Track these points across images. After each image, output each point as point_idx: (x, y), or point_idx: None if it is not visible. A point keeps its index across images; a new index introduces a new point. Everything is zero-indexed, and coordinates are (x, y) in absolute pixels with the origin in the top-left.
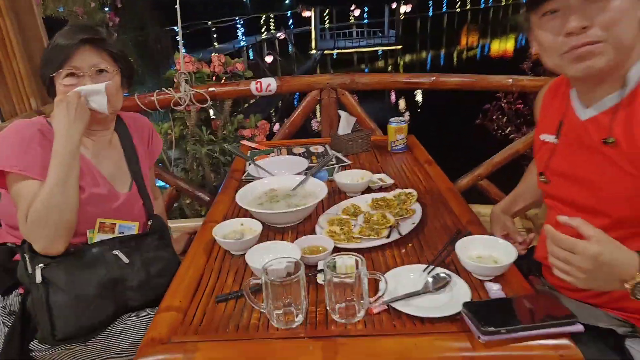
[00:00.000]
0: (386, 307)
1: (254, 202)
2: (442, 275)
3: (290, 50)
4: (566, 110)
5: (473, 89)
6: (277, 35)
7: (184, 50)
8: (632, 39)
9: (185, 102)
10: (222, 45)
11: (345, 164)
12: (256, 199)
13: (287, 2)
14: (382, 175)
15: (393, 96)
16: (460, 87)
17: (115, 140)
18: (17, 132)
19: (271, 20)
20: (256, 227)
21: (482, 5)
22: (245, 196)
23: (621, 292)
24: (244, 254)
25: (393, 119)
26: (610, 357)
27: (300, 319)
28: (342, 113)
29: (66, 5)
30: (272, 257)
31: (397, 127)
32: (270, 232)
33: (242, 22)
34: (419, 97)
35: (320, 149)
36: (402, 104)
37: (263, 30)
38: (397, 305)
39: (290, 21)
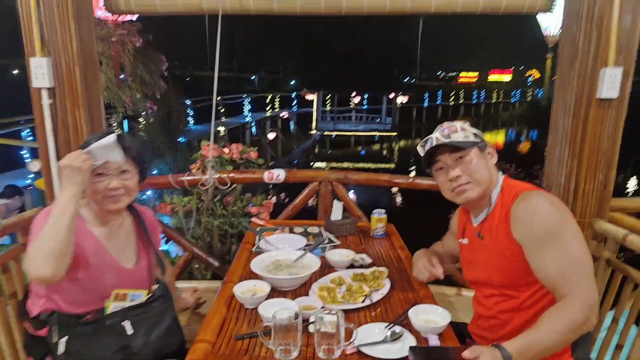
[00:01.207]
0: (356, 349)
1: (264, 269)
2: (398, 331)
3: (291, 129)
4: (467, 222)
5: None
6: (281, 114)
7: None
8: (487, 177)
9: (209, 183)
10: (229, 120)
11: (336, 243)
12: (265, 267)
13: (292, 83)
14: (363, 255)
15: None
16: (432, 188)
17: (126, 224)
18: (45, 217)
19: (276, 100)
20: (265, 287)
21: (475, 101)
22: (257, 264)
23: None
24: (255, 308)
25: (375, 210)
26: None
27: (295, 354)
28: (336, 202)
29: (116, 95)
30: (277, 310)
31: (379, 218)
32: (275, 292)
33: (249, 99)
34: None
35: (316, 229)
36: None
37: (268, 108)
38: (364, 349)
39: (294, 102)
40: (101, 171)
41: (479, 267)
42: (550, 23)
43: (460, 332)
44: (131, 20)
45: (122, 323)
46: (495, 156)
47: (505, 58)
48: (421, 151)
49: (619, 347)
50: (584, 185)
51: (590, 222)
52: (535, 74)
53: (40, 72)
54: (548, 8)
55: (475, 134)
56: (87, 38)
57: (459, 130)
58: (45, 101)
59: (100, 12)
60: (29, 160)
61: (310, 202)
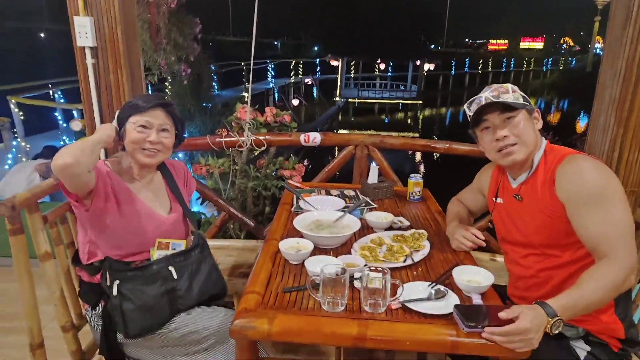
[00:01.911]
0: (401, 305)
1: (306, 228)
2: (442, 289)
3: (315, 95)
4: (503, 182)
5: (481, 156)
6: (305, 80)
7: (246, 101)
8: (533, 140)
9: (247, 145)
10: (253, 85)
11: (373, 207)
12: (307, 226)
13: (316, 49)
14: (401, 218)
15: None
16: (469, 154)
17: (156, 179)
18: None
19: (300, 66)
20: (309, 245)
21: (504, 69)
22: (299, 223)
23: None
24: (299, 263)
25: (412, 175)
26: (560, 354)
27: (342, 307)
28: (373, 166)
29: (152, 58)
30: (325, 265)
31: (416, 182)
32: (317, 250)
33: (272, 65)
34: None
35: (352, 192)
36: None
37: (292, 74)
38: (409, 305)
39: (318, 68)
40: (144, 124)
41: (517, 228)
42: None
43: (500, 295)
44: None
45: (169, 268)
46: (541, 121)
47: (537, 25)
48: (468, 110)
49: None
50: (627, 154)
51: (635, 191)
52: (569, 41)
53: (83, 30)
54: None
55: (523, 97)
56: None
57: (510, 91)
58: (89, 60)
59: None
60: (73, 119)
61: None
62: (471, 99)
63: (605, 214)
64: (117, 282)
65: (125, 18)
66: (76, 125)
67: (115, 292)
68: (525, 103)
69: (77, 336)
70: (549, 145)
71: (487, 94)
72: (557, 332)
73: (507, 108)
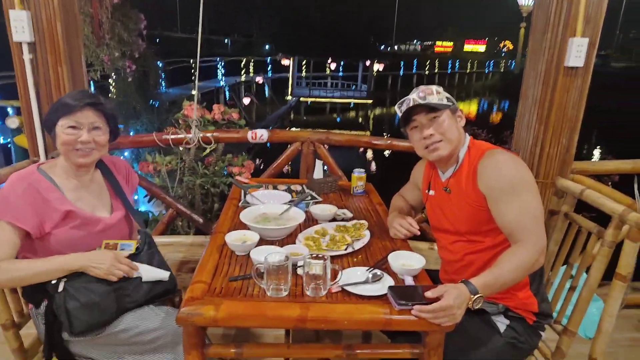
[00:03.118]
0: (341, 289)
1: (253, 221)
2: (378, 273)
3: (266, 94)
4: (434, 176)
5: None
6: (256, 79)
7: (194, 101)
8: (456, 137)
9: (194, 142)
10: (202, 83)
11: (318, 200)
12: (253, 219)
13: (267, 48)
14: (345, 210)
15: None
16: (409, 150)
17: (97, 177)
18: (10, 188)
19: (251, 64)
20: (254, 237)
21: (449, 71)
22: (246, 216)
23: None
24: (245, 254)
25: (356, 169)
26: (483, 328)
27: (285, 292)
28: (317, 162)
29: (94, 53)
30: (269, 254)
31: (359, 176)
32: (264, 242)
33: (222, 63)
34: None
35: (298, 187)
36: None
37: (242, 72)
38: (348, 288)
39: (269, 67)
40: (74, 124)
41: (446, 217)
42: None
43: (432, 279)
44: None
45: None
46: (464, 119)
47: (480, 29)
48: (398, 111)
49: (571, 289)
50: (548, 148)
51: (553, 181)
52: (508, 44)
53: (20, 25)
54: None
55: (447, 98)
56: None
57: (434, 93)
58: (26, 56)
59: None
60: (9, 116)
61: (286, 168)
62: (401, 100)
63: (519, 203)
64: (65, 279)
65: (65, 12)
66: (12, 122)
67: (60, 289)
68: (449, 103)
69: (19, 334)
70: (472, 141)
71: (414, 96)
72: (478, 307)
73: (432, 109)
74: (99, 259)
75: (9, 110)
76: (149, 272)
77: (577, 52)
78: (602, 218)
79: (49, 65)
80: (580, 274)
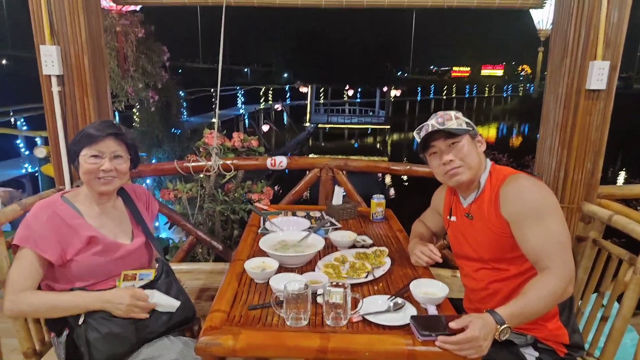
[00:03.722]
0: (362, 318)
1: (272, 248)
2: (400, 302)
3: (285, 121)
4: (455, 202)
5: None
6: (275, 106)
7: (215, 128)
8: (477, 162)
9: (214, 169)
10: (223, 111)
11: (337, 226)
12: (272, 246)
13: (285, 76)
14: (364, 237)
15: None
16: (429, 175)
17: (118, 204)
18: (34, 216)
19: (270, 92)
20: (274, 264)
21: (467, 95)
22: (265, 243)
23: None
24: (265, 282)
25: (375, 195)
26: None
27: (305, 322)
28: (337, 188)
29: (119, 85)
30: (288, 282)
31: (378, 202)
32: (283, 269)
33: (242, 91)
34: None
35: (317, 214)
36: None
37: (262, 100)
38: (369, 317)
39: (288, 94)
40: (96, 154)
41: (469, 244)
42: (542, 17)
43: (456, 308)
44: (134, 10)
45: None
46: (484, 144)
47: (497, 53)
48: (417, 137)
49: (603, 318)
50: (572, 173)
51: (579, 206)
52: (527, 68)
53: (50, 59)
54: (539, 4)
55: (467, 123)
56: (95, 28)
57: (453, 119)
58: (55, 88)
59: (105, 2)
60: (37, 146)
61: (304, 194)
62: (420, 126)
63: (543, 229)
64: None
65: (92, 46)
66: (40, 152)
67: (81, 321)
68: (468, 128)
69: None
70: (493, 167)
71: (433, 122)
72: (505, 338)
73: (451, 134)
74: (118, 299)
75: (37, 140)
76: (161, 300)
77: (599, 75)
78: (631, 244)
79: (76, 97)
80: (613, 302)
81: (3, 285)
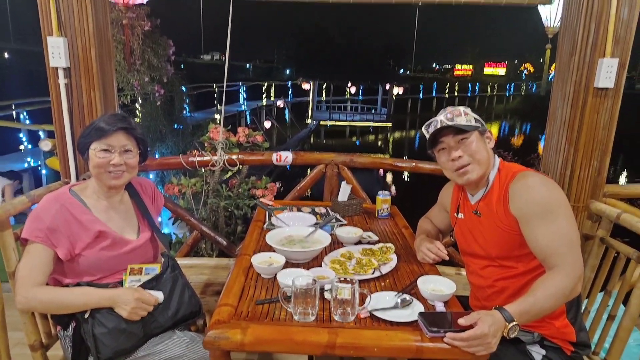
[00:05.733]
0: (369, 314)
1: (278, 243)
2: (407, 298)
3: (287, 118)
4: (463, 199)
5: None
6: (277, 103)
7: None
8: (486, 159)
9: (219, 164)
10: (225, 108)
11: (343, 223)
12: (279, 241)
13: (287, 72)
14: (370, 233)
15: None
16: (434, 172)
17: (125, 198)
18: (43, 209)
19: (272, 88)
20: (280, 259)
21: (469, 94)
22: (271, 238)
23: None
24: (271, 277)
25: (381, 192)
26: (518, 358)
27: (313, 317)
28: (343, 184)
29: (125, 78)
30: (296, 277)
31: (384, 199)
32: (289, 265)
33: (244, 87)
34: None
35: (322, 210)
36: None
37: (264, 97)
38: (377, 313)
39: (290, 91)
40: (106, 147)
41: (476, 241)
42: (550, 14)
43: (462, 305)
44: (140, 4)
45: None
46: (493, 141)
47: (499, 52)
48: (426, 133)
49: (610, 317)
50: (579, 171)
51: (586, 204)
52: (529, 67)
53: (57, 51)
54: (548, 0)
55: (476, 119)
56: (102, 20)
57: (462, 114)
58: (62, 80)
59: None
60: (43, 138)
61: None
62: (428, 122)
63: (552, 227)
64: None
65: (99, 39)
66: (45, 145)
67: (87, 316)
68: (477, 125)
69: (47, 355)
70: (502, 163)
71: (442, 117)
72: (513, 336)
73: (460, 130)
74: (124, 299)
75: (41, 134)
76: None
77: (607, 72)
78: (636, 244)
79: (83, 90)
80: (620, 301)
81: (11, 277)
